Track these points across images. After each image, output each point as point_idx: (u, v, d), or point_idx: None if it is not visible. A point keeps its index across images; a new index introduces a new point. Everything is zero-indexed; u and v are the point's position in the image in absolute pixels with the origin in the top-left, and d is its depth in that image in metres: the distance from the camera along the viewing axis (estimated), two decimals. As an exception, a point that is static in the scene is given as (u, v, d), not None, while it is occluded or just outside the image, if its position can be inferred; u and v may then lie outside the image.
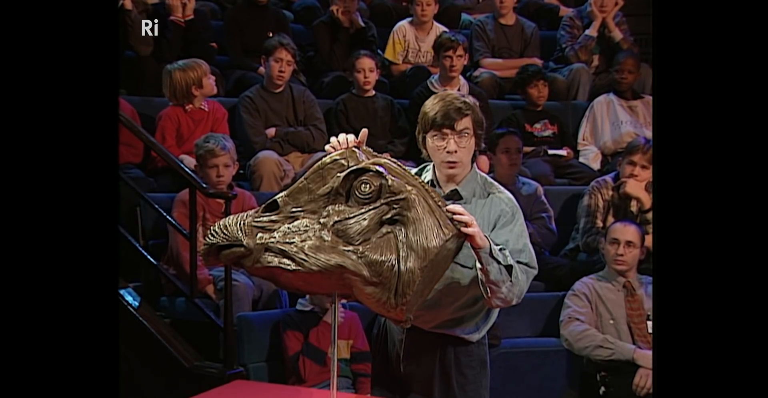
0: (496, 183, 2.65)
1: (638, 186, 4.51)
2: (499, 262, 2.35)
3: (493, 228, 2.51)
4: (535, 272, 2.53)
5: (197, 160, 4.23)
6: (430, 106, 2.53)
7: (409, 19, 6.16)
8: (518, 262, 2.44)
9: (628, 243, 4.03)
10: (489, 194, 2.58)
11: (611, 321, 4.02)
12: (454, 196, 2.55)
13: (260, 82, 5.44)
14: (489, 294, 2.41)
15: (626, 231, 4.05)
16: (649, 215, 4.42)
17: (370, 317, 3.87)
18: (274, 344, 3.80)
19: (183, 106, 4.78)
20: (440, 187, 2.58)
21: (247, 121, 4.98)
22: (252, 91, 5.11)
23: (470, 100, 2.56)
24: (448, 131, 2.50)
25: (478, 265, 2.36)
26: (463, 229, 2.20)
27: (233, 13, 5.88)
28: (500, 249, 2.38)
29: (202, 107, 4.83)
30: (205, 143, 4.19)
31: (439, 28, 6.14)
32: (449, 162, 2.53)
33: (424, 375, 2.65)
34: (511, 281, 2.38)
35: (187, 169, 4.00)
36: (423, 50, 6.09)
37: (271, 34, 5.67)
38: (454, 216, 2.18)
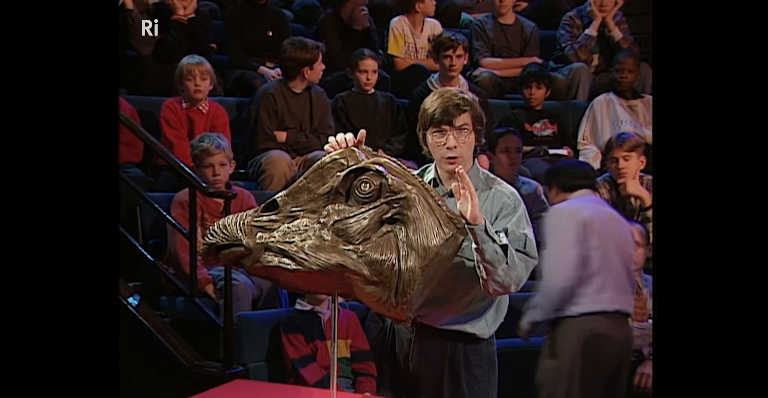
0: (498, 178, 2.66)
1: (634, 183, 4.52)
2: (494, 240, 2.36)
3: (495, 220, 2.53)
4: (536, 262, 2.54)
5: (193, 160, 4.22)
6: (429, 103, 2.54)
7: (404, 14, 6.15)
8: (517, 251, 2.45)
9: (636, 244, 4.02)
10: (491, 188, 2.59)
11: None
12: None
13: (258, 80, 5.43)
14: (485, 276, 2.41)
15: (633, 232, 4.05)
16: (649, 213, 4.42)
17: (369, 315, 3.87)
18: (274, 343, 3.80)
19: (181, 100, 4.81)
20: (442, 184, 2.59)
21: (264, 120, 4.90)
22: (274, 87, 5.00)
23: (469, 96, 2.58)
24: (447, 127, 2.51)
25: (474, 246, 2.37)
26: (465, 186, 2.22)
27: (232, 12, 5.87)
28: (496, 232, 2.41)
29: (201, 109, 4.83)
30: (200, 143, 4.19)
31: (430, 22, 6.14)
32: (449, 157, 2.54)
33: (433, 375, 2.66)
34: (507, 263, 2.39)
35: (186, 169, 4.00)
36: (419, 46, 6.09)
37: (270, 33, 5.67)
38: (458, 172, 2.21)
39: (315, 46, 4.94)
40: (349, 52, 5.73)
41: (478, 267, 2.42)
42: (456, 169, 2.32)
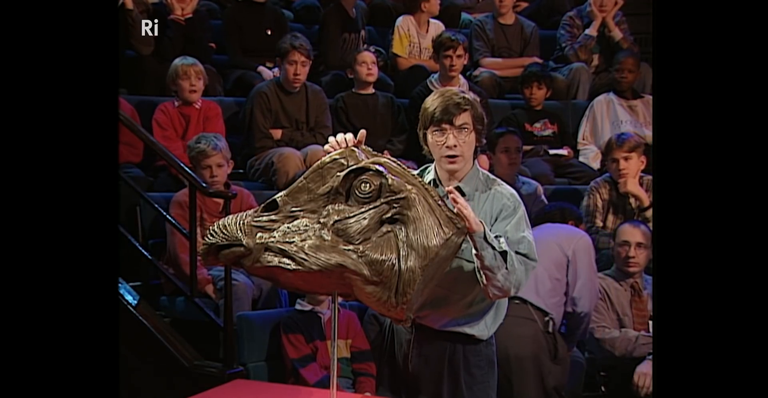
0: (498, 179, 2.66)
1: (633, 183, 4.53)
2: (493, 247, 2.36)
3: (494, 222, 2.53)
4: (535, 264, 2.53)
5: (190, 162, 4.22)
6: (430, 102, 2.55)
7: (409, 14, 6.15)
8: (517, 253, 2.45)
9: (639, 245, 4.01)
10: (491, 189, 2.59)
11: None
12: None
13: (258, 80, 5.43)
14: (485, 282, 2.42)
15: (636, 233, 4.02)
16: (648, 213, 4.42)
17: (365, 317, 3.87)
18: (273, 343, 3.80)
19: (174, 100, 4.83)
20: (442, 184, 2.59)
21: (258, 119, 4.91)
22: (267, 87, 5.01)
23: (470, 95, 2.58)
24: (447, 126, 2.52)
25: (473, 251, 2.37)
26: (458, 208, 2.22)
27: (231, 12, 5.87)
28: (496, 237, 2.41)
29: (195, 105, 4.83)
30: (197, 144, 4.19)
31: (435, 24, 6.15)
32: (449, 156, 2.54)
33: (432, 375, 2.66)
34: (506, 268, 2.39)
35: (186, 169, 4.00)
36: (423, 47, 6.09)
37: (270, 32, 5.67)
38: (450, 196, 2.19)
39: (304, 47, 4.92)
40: (350, 45, 5.75)
41: (479, 272, 2.42)
42: (449, 195, 2.29)
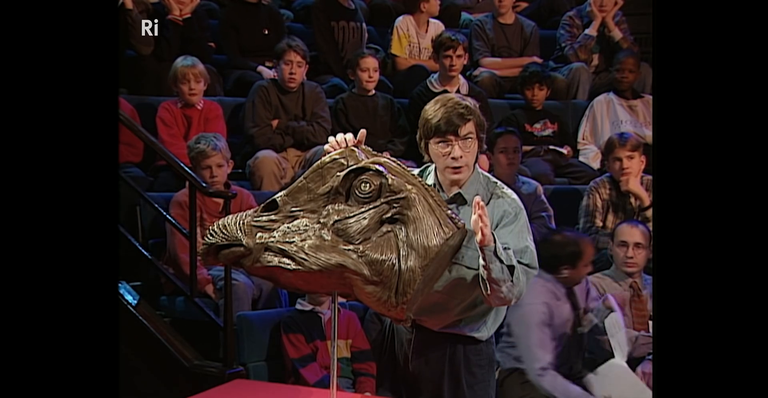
0: (500, 182, 2.64)
1: (635, 182, 4.53)
2: (502, 262, 2.34)
3: (495, 229, 2.51)
4: (536, 273, 2.52)
5: (190, 162, 4.22)
6: (432, 113, 2.49)
7: (408, 14, 6.15)
8: (519, 262, 2.44)
9: (637, 245, 4.00)
10: (492, 195, 2.57)
11: None
12: (458, 200, 2.54)
13: (259, 80, 5.44)
14: (489, 293, 2.40)
15: (634, 233, 4.00)
16: (649, 213, 4.42)
17: (367, 316, 3.87)
18: (274, 343, 3.80)
19: (177, 100, 4.83)
20: (443, 190, 2.57)
21: (259, 109, 4.95)
22: (267, 82, 5.07)
23: (471, 102, 2.54)
24: (452, 137, 2.47)
25: (481, 262, 2.36)
26: (481, 221, 2.22)
27: (227, 12, 5.85)
28: (504, 249, 2.38)
29: (197, 106, 4.84)
30: (197, 144, 4.19)
31: (435, 23, 6.15)
32: (454, 167, 2.51)
33: (432, 375, 2.65)
34: (512, 281, 2.38)
35: (186, 169, 4.00)
36: (423, 47, 6.09)
37: (266, 31, 5.67)
38: (477, 211, 2.20)
39: (300, 47, 4.95)
40: (351, 34, 5.72)
41: (483, 284, 2.40)
42: (477, 210, 2.27)
